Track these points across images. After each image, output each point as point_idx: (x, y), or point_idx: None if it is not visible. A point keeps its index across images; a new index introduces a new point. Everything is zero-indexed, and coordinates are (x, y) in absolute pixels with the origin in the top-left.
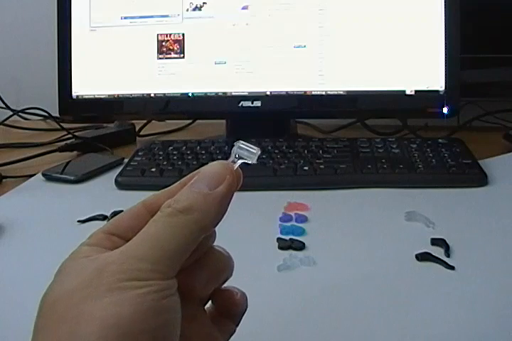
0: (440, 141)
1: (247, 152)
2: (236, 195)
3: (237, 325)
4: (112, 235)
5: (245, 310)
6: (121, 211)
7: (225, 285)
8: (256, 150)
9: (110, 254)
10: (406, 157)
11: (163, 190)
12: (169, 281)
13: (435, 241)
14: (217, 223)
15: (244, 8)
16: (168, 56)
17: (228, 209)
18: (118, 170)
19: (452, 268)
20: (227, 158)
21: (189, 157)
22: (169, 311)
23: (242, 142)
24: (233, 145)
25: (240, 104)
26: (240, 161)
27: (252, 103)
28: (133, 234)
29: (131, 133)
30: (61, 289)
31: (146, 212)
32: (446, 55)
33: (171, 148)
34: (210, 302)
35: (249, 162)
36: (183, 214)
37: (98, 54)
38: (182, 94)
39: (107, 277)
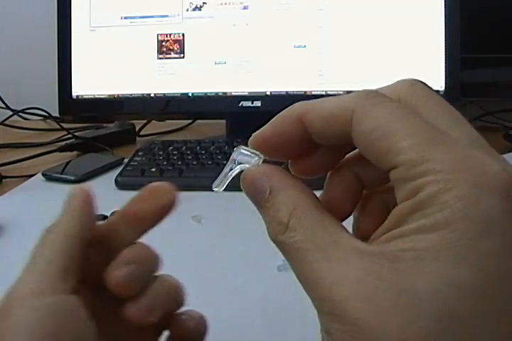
0: None
1: (247, 157)
2: (236, 194)
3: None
4: None
5: (204, 333)
6: None
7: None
8: (256, 156)
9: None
10: None
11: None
12: (62, 296)
13: None
14: (87, 228)
15: (245, 8)
16: (168, 56)
17: (228, 209)
18: (118, 170)
19: None
20: (227, 158)
21: (189, 157)
22: (63, 334)
23: (242, 147)
24: (235, 149)
25: (240, 104)
26: (239, 167)
27: (252, 103)
28: None
29: (131, 133)
30: None
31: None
32: (446, 55)
33: (171, 148)
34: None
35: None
36: (49, 233)
37: (98, 54)
38: (182, 94)
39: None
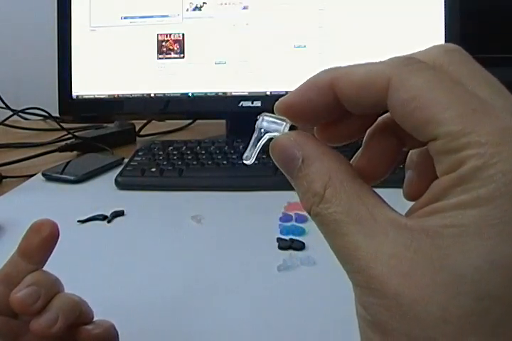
0: None
1: (274, 124)
2: (236, 194)
3: None
4: None
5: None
6: (122, 211)
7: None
8: (284, 122)
9: None
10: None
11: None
12: None
13: None
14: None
15: (244, 8)
16: (168, 56)
17: (228, 209)
18: (118, 170)
19: None
20: (227, 158)
21: (189, 157)
22: None
23: (266, 114)
24: (256, 120)
25: (240, 104)
26: (268, 136)
27: (252, 103)
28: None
29: (131, 133)
30: None
31: None
32: None
33: (171, 148)
34: None
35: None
36: None
37: (98, 54)
38: (182, 94)
39: None
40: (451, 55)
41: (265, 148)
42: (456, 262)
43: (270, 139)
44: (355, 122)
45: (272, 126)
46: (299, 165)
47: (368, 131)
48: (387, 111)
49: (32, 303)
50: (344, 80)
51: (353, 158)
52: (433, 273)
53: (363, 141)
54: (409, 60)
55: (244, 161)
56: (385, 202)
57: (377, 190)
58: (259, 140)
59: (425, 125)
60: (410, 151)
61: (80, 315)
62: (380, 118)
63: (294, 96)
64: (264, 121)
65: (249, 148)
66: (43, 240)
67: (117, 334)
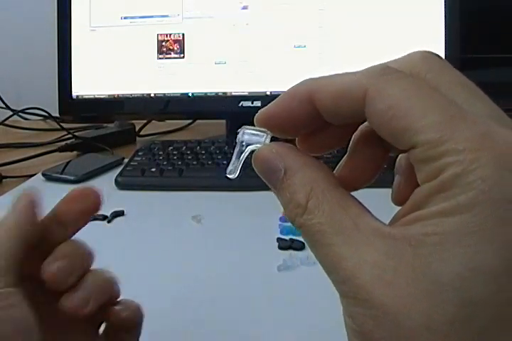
0: None
1: (255, 137)
2: (236, 194)
3: (138, 337)
4: None
5: (139, 322)
6: (122, 211)
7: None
8: (264, 134)
9: None
10: None
11: None
12: (7, 289)
13: None
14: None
15: (244, 8)
16: (168, 56)
17: (228, 209)
18: (118, 170)
19: None
20: (227, 158)
21: (189, 157)
22: (6, 323)
23: (246, 127)
24: (237, 133)
25: (240, 104)
26: (250, 148)
27: (252, 103)
28: None
29: (131, 133)
30: None
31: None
32: (446, 55)
33: (171, 148)
34: None
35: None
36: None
37: (98, 54)
38: (182, 94)
39: None
40: (428, 62)
41: (249, 161)
42: (437, 270)
43: (253, 151)
44: (336, 132)
45: (253, 138)
46: (281, 176)
47: (352, 138)
48: (366, 121)
49: (65, 278)
50: (322, 91)
51: (339, 165)
52: (415, 282)
53: (348, 148)
54: (386, 69)
55: (228, 175)
56: (368, 210)
57: (378, 190)
58: (242, 153)
59: (403, 134)
60: (400, 155)
61: (111, 295)
62: (364, 125)
63: (273, 108)
64: (245, 134)
65: (232, 161)
66: (87, 207)
67: (143, 316)
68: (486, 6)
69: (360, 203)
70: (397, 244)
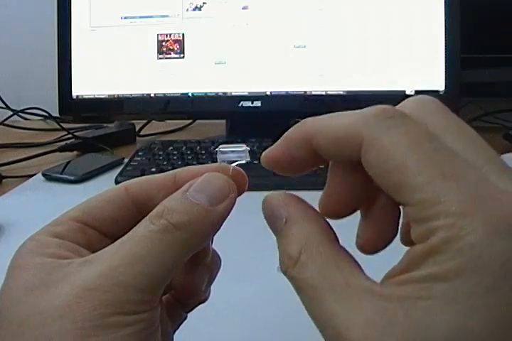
0: None
1: (234, 154)
2: None
3: (188, 312)
4: (87, 226)
5: (203, 301)
6: None
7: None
8: (242, 149)
9: (87, 274)
10: None
11: (148, 178)
12: (155, 313)
13: None
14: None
15: (244, 8)
16: (168, 56)
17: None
18: (118, 170)
19: None
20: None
21: (189, 157)
22: None
23: (222, 146)
24: (216, 152)
25: (240, 104)
26: (234, 165)
27: (252, 103)
28: (116, 229)
29: (131, 133)
30: (27, 302)
31: (130, 202)
32: (446, 55)
33: (171, 148)
34: None
35: (243, 161)
36: (178, 230)
37: (98, 54)
38: (182, 94)
39: (87, 310)
40: (424, 106)
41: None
42: (426, 334)
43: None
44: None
45: (231, 155)
46: (282, 224)
47: (329, 165)
48: None
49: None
50: (319, 137)
51: (358, 230)
52: None
53: (360, 211)
54: (383, 113)
55: None
56: (360, 268)
57: None
58: None
59: (399, 189)
60: None
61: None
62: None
63: (274, 152)
64: (222, 153)
65: None
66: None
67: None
68: (486, 6)
69: (354, 260)
70: (389, 304)
